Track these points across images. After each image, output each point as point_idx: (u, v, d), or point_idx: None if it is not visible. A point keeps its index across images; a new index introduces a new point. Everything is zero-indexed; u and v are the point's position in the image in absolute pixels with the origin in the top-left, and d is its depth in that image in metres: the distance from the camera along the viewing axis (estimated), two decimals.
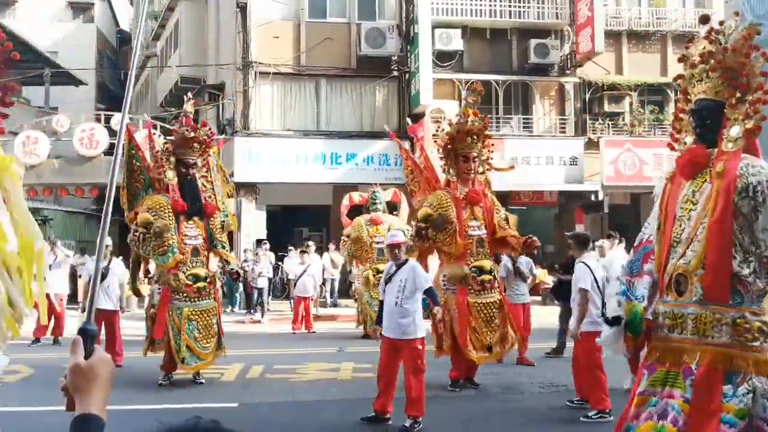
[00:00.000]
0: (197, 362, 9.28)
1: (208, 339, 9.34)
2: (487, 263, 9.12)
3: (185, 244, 9.41)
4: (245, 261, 18.97)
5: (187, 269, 9.32)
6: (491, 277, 9.09)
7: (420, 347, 7.10)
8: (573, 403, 7.93)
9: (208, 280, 9.51)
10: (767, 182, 3.83)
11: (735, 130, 4.05)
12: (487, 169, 9.61)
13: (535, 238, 9.06)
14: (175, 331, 9.14)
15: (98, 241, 2.02)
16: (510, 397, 8.83)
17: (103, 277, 10.71)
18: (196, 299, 9.33)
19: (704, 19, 4.29)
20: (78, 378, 1.69)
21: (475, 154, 9.30)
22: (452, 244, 8.96)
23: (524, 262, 11.29)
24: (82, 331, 1.74)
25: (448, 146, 9.28)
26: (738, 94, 4.10)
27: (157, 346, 9.35)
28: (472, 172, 9.27)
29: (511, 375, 9.90)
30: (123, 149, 8.32)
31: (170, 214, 9.30)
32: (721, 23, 4.25)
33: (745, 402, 3.70)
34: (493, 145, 9.72)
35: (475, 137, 9.23)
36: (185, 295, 9.27)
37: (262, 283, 17.42)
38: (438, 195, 9.20)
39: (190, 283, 9.27)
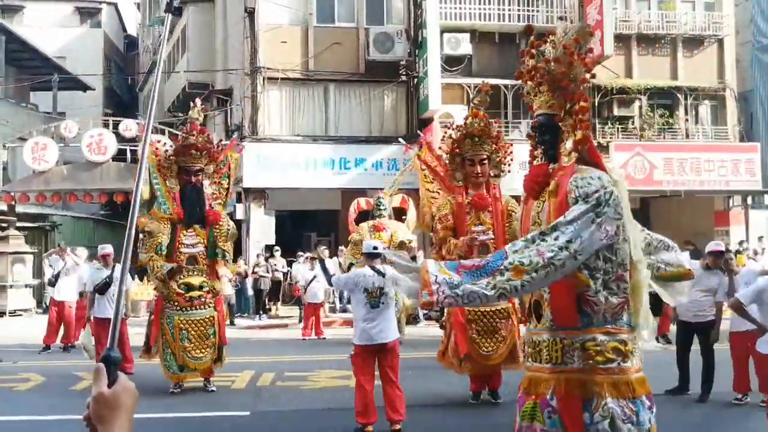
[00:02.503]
0: (186, 372, 9.23)
1: (202, 349, 9.19)
2: None
3: (180, 252, 9.30)
4: (256, 266, 19.01)
5: (180, 278, 9.21)
6: None
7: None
8: None
9: (205, 289, 9.35)
10: (594, 194, 3.58)
11: (568, 143, 3.96)
12: (504, 172, 9.22)
13: None
14: (164, 339, 9.12)
15: (122, 261, 1.93)
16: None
17: (108, 285, 10.65)
18: (188, 309, 9.22)
19: (528, 31, 4.10)
20: (101, 407, 1.62)
21: (484, 157, 8.81)
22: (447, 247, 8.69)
23: None
24: (105, 359, 1.66)
25: (456, 151, 8.92)
26: (567, 105, 4.01)
27: (153, 352, 9.35)
28: (481, 175, 8.78)
29: (518, 384, 9.80)
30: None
31: (166, 220, 9.31)
32: (548, 35, 4.06)
33: (602, 429, 3.52)
34: (511, 146, 9.33)
35: (476, 139, 8.76)
36: (176, 304, 9.19)
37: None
38: (443, 201, 9.08)
39: (181, 292, 9.17)
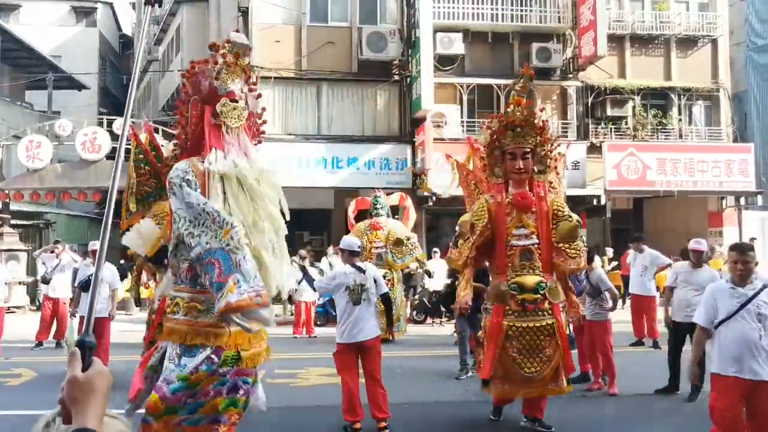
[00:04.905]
0: None
1: None
2: (532, 279, 7.22)
3: None
4: None
5: None
6: (538, 296, 7.18)
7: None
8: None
9: None
10: (174, 175, 4.74)
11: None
12: (551, 168, 7.91)
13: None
14: None
15: (98, 249, 2.01)
16: (512, 407, 8.77)
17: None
18: None
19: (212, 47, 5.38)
20: (75, 390, 1.66)
21: (527, 150, 7.50)
22: (493, 255, 7.55)
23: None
24: (80, 343, 1.72)
25: (495, 143, 7.67)
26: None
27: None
28: (523, 171, 7.48)
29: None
30: (130, 153, 8.30)
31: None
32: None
33: (154, 361, 4.75)
34: (557, 139, 8.32)
35: (519, 129, 7.48)
36: None
37: None
38: (480, 200, 7.78)
39: None
